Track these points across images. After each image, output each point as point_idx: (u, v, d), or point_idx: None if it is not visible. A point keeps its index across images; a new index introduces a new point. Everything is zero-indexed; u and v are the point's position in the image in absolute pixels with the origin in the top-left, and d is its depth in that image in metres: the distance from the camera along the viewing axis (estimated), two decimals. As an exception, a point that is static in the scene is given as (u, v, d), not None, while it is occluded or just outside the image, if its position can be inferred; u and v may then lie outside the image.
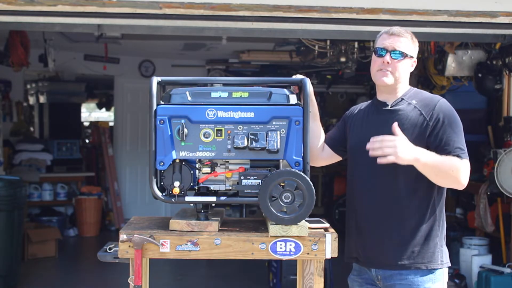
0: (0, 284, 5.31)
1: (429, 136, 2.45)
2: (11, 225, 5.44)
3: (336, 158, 2.79)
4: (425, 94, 2.58)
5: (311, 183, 2.24)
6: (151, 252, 2.26)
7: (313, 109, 2.64)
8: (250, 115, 2.28)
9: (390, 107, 2.55)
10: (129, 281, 2.28)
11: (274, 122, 2.27)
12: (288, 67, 8.01)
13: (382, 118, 2.53)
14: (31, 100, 10.35)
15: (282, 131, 2.27)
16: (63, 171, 8.74)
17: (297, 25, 4.21)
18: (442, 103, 2.50)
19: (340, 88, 9.24)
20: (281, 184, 2.24)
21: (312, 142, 2.65)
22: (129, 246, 2.25)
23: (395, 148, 2.28)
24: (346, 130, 2.69)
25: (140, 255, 2.23)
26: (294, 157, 2.27)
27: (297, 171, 2.24)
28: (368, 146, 2.33)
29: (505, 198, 5.46)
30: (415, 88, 2.62)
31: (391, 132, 2.39)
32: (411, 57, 2.54)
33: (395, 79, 2.52)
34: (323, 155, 2.76)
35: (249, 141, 2.26)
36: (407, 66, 2.54)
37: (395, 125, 2.35)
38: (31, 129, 10.25)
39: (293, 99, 2.33)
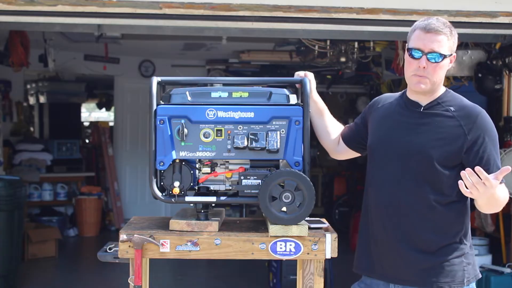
0: (0, 284, 5.31)
1: (467, 152, 2.23)
2: (11, 225, 5.44)
3: (354, 154, 2.63)
4: (464, 101, 2.33)
5: (311, 183, 2.23)
6: (151, 252, 2.26)
7: (317, 105, 2.59)
8: (250, 115, 2.27)
9: (423, 109, 2.32)
10: (129, 281, 2.28)
11: (274, 122, 2.27)
12: (288, 67, 8.01)
13: (413, 121, 2.31)
14: (31, 100, 10.36)
15: (282, 131, 2.27)
16: (63, 171, 8.74)
17: (297, 25, 4.21)
18: (483, 116, 2.27)
19: (340, 88, 9.25)
20: (281, 184, 2.24)
21: (323, 137, 2.62)
22: (129, 246, 2.24)
23: (479, 192, 2.04)
24: (367, 126, 2.50)
25: (140, 255, 2.23)
26: (294, 157, 2.27)
27: (297, 171, 2.23)
28: (466, 174, 2.04)
29: (505, 198, 5.46)
30: (451, 91, 2.37)
31: (424, 136, 2.24)
32: (450, 55, 2.28)
33: (432, 84, 2.27)
34: (339, 150, 2.62)
35: (249, 141, 2.26)
36: (446, 66, 2.29)
37: (508, 169, 2.06)
38: (31, 129, 10.25)
39: (293, 99, 2.33)
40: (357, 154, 2.63)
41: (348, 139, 2.59)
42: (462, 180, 2.05)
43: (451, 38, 2.27)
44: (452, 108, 2.28)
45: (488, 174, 2.09)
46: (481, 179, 2.01)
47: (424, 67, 2.24)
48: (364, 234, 2.43)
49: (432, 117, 2.29)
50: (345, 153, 2.64)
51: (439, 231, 2.27)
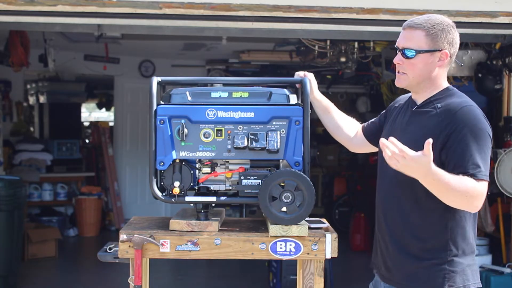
0: (0, 284, 5.31)
1: (443, 149, 2.12)
2: (11, 225, 5.44)
3: (373, 148, 2.58)
4: (457, 98, 2.22)
5: (311, 183, 2.23)
6: (151, 252, 2.26)
7: (321, 104, 2.61)
8: (250, 115, 2.27)
9: (415, 108, 2.29)
10: (129, 281, 2.28)
11: (274, 122, 2.27)
12: (288, 67, 8.02)
13: (405, 120, 2.31)
14: (31, 100, 10.36)
15: (282, 131, 2.27)
16: (63, 171, 8.75)
17: (297, 25, 4.21)
18: (465, 110, 2.13)
19: (340, 88, 9.24)
20: (281, 184, 2.24)
21: (336, 133, 2.62)
22: (129, 246, 2.25)
23: (400, 164, 1.99)
24: (385, 123, 2.49)
25: (140, 255, 2.23)
26: (294, 157, 2.27)
27: (297, 171, 2.24)
28: (382, 143, 2.02)
29: (505, 198, 5.46)
30: (453, 89, 2.27)
31: (409, 137, 2.19)
32: (431, 51, 2.20)
33: (410, 80, 2.24)
34: (356, 142, 2.61)
35: (249, 141, 2.26)
36: (427, 62, 2.21)
37: (429, 143, 1.96)
38: (31, 129, 10.25)
39: (293, 99, 2.33)
40: (376, 149, 2.57)
41: (369, 133, 2.58)
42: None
43: (433, 33, 2.20)
44: (439, 105, 2.21)
45: (461, 172, 2.05)
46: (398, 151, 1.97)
47: (399, 63, 2.25)
48: (375, 232, 2.44)
49: (419, 116, 2.26)
50: (364, 147, 2.63)
51: (421, 234, 2.21)
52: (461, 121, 2.12)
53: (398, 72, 2.29)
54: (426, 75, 2.24)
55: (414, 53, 2.21)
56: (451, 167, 2.09)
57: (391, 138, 2.01)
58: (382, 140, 2.02)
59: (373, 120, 2.63)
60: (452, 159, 2.11)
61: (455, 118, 2.13)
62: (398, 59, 2.26)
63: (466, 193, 2.04)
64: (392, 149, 1.99)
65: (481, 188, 2.07)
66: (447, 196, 2.07)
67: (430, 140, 1.96)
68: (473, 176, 2.06)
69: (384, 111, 2.58)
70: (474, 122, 2.12)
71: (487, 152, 2.12)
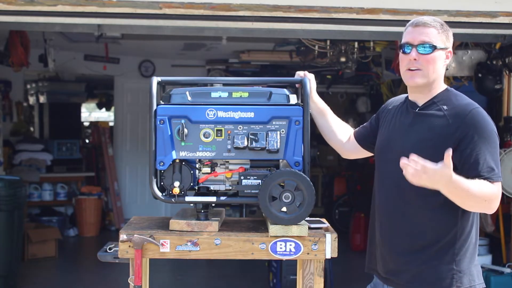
0: (0, 284, 5.31)
1: (455, 152, 2.10)
2: (11, 225, 5.44)
3: (366, 153, 2.60)
4: (461, 100, 2.25)
5: (311, 183, 2.23)
6: (151, 252, 2.26)
7: (317, 106, 2.60)
8: (250, 115, 2.27)
9: (418, 110, 2.28)
10: (129, 281, 2.28)
11: (274, 122, 2.27)
12: (288, 67, 8.01)
13: (407, 122, 2.30)
14: (31, 100, 10.36)
15: (282, 131, 2.27)
16: (63, 171, 8.75)
17: (297, 25, 4.21)
18: (475, 113, 2.17)
19: (340, 88, 9.24)
20: (281, 184, 2.24)
21: (329, 138, 2.61)
22: (129, 246, 2.25)
23: (423, 179, 2.01)
24: (378, 126, 2.49)
25: (140, 255, 2.23)
26: (294, 157, 2.27)
27: (297, 171, 2.24)
28: (403, 163, 2.03)
29: (505, 198, 5.46)
30: (453, 90, 2.31)
31: (414, 138, 2.21)
32: (443, 48, 2.25)
33: (427, 76, 2.24)
34: (348, 148, 2.60)
35: (249, 141, 2.26)
36: (440, 59, 2.25)
37: (449, 154, 1.98)
38: (31, 129, 10.26)
39: (293, 99, 2.33)
40: (369, 154, 2.60)
41: (362, 137, 2.58)
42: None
43: (442, 32, 2.25)
44: (445, 107, 2.23)
45: (476, 175, 2.09)
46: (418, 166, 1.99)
47: (415, 59, 2.23)
48: (370, 234, 2.44)
49: (424, 118, 2.26)
50: (356, 152, 2.63)
51: (428, 235, 2.21)
52: (472, 126, 2.15)
53: (409, 69, 2.26)
54: (439, 72, 2.27)
55: (431, 49, 2.22)
56: (465, 170, 2.12)
57: (413, 156, 2.01)
58: (403, 160, 2.03)
59: (364, 124, 2.63)
60: (466, 162, 2.14)
61: (465, 122, 2.16)
62: (413, 55, 2.23)
63: (485, 197, 2.09)
64: (415, 167, 2.00)
65: (497, 189, 2.12)
66: (467, 202, 2.11)
67: (450, 151, 1.98)
68: (488, 179, 2.11)
69: (374, 115, 2.58)
70: (484, 125, 2.17)
71: (498, 152, 2.19)
